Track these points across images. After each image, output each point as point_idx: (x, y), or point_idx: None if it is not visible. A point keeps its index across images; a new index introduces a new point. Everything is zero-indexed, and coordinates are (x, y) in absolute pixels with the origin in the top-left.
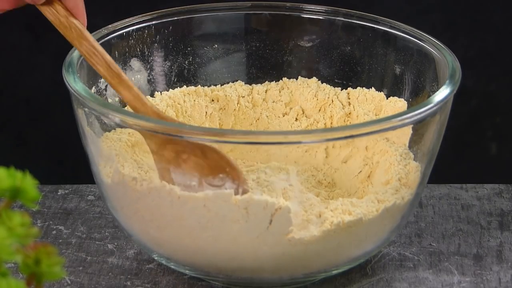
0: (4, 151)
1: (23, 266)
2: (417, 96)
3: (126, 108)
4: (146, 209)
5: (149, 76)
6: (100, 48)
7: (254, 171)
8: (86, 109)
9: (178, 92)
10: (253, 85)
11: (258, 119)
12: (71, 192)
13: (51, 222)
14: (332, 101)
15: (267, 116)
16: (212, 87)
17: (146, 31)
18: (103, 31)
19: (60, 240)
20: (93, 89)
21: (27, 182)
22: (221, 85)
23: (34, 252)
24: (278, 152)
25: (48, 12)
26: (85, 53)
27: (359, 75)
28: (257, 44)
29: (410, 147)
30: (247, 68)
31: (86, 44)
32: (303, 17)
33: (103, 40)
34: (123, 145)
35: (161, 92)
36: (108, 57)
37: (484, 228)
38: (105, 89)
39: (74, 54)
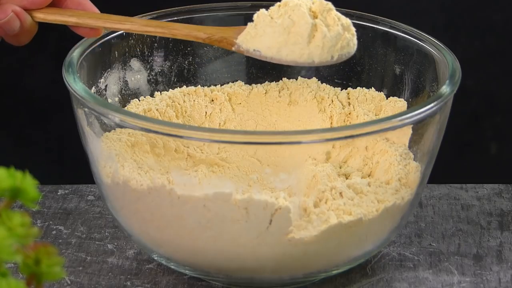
0: (4, 151)
1: (23, 266)
2: (417, 96)
3: (126, 108)
4: (146, 209)
5: (149, 76)
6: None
7: (254, 171)
8: (86, 109)
9: (178, 92)
10: (253, 85)
11: (258, 119)
12: (71, 192)
13: (51, 222)
14: (332, 101)
15: (267, 116)
16: (212, 87)
17: None
18: (103, 31)
19: (60, 240)
20: (93, 89)
21: (27, 182)
22: (221, 85)
23: (34, 252)
24: (279, 152)
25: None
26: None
27: (359, 75)
28: None
29: (410, 147)
30: (247, 68)
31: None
32: None
33: (103, 40)
34: (123, 145)
35: (161, 92)
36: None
37: (484, 228)
38: (105, 89)
39: (74, 54)
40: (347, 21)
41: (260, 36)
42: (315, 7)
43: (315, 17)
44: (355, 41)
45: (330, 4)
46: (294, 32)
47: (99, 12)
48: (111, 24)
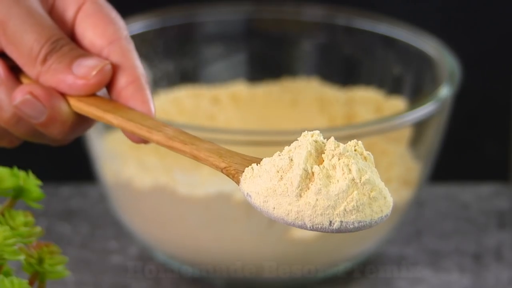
0: (6, 150)
1: (26, 265)
2: (417, 96)
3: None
4: (149, 208)
5: (150, 76)
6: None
7: None
8: None
9: (180, 92)
10: (255, 85)
11: (259, 119)
12: (74, 192)
13: (54, 221)
14: (332, 101)
15: (268, 116)
16: (214, 87)
17: (147, 31)
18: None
19: (63, 239)
20: None
21: (30, 182)
22: (222, 85)
23: (37, 252)
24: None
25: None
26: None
27: (359, 75)
28: (258, 45)
29: (410, 147)
30: (249, 68)
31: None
32: (304, 17)
33: None
34: (126, 145)
35: (163, 92)
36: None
37: (483, 228)
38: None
39: None
40: (368, 176)
41: (256, 177)
42: (329, 148)
43: (320, 162)
44: (380, 208)
45: (347, 147)
46: (286, 179)
47: (148, 111)
48: (140, 131)
